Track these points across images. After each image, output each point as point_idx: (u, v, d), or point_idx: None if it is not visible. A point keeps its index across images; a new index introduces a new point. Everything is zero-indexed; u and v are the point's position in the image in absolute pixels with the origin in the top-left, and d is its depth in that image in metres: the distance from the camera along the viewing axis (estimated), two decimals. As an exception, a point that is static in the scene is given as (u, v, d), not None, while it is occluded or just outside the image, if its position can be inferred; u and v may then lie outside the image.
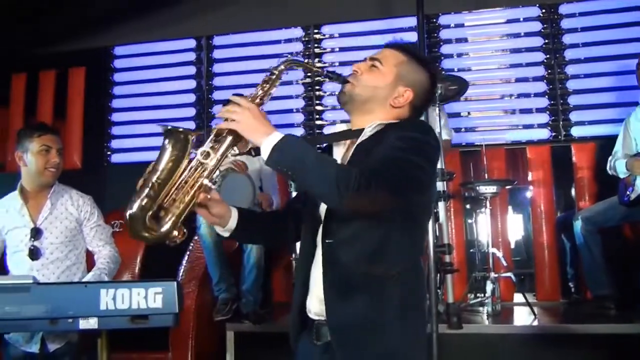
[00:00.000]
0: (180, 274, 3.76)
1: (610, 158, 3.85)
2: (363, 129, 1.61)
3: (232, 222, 1.65)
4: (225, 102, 4.07)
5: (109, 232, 2.78)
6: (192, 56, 5.40)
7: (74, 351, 2.48)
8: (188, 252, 3.81)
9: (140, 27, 5.37)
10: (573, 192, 4.50)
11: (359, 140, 1.60)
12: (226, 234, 1.67)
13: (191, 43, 5.41)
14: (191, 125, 5.32)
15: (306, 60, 1.43)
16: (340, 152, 1.68)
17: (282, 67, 1.64)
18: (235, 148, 1.52)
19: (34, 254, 2.55)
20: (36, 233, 2.57)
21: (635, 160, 3.61)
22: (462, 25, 4.95)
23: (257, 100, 1.58)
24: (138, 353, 3.46)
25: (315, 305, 1.57)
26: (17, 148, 2.63)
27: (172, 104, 5.37)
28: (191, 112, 5.35)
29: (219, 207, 1.61)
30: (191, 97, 5.36)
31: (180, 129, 1.52)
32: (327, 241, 1.55)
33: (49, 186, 2.66)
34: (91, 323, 1.90)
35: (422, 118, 3.68)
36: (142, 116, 5.41)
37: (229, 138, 1.50)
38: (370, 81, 1.64)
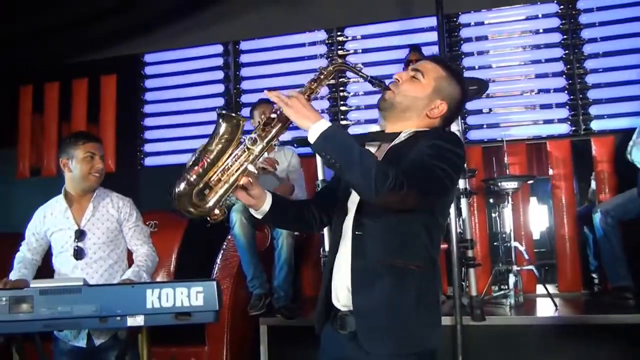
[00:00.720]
0: (215, 272, 3.91)
1: (630, 144, 3.88)
2: (398, 133, 1.74)
3: (266, 205, 1.76)
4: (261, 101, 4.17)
5: (147, 232, 2.91)
6: (219, 61, 5.58)
7: (121, 346, 2.61)
8: (222, 251, 3.94)
9: (169, 34, 5.57)
10: (593, 185, 4.57)
11: (393, 143, 1.73)
12: (259, 216, 1.78)
13: (218, 49, 5.59)
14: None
15: (353, 65, 1.54)
16: (371, 151, 1.76)
17: (331, 68, 1.71)
18: (278, 138, 1.65)
19: (78, 254, 2.69)
20: (80, 234, 2.71)
21: None
22: (481, 24, 5.04)
23: (305, 95, 1.65)
24: (177, 347, 3.61)
25: (343, 294, 1.68)
26: (61, 155, 2.78)
27: (202, 108, 5.56)
28: (219, 116, 5.52)
29: (256, 190, 1.72)
30: (220, 101, 5.54)
31: (234, 114, 1.64)
32: (356, 233, 1.67)
33: (92, 191, 2.79)
34: (138, 320, 2.06)
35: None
36: (173, 120, 5.62)
37: (276, 127, 1.63)
38: (410, 91, 1.74)
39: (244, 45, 5.57)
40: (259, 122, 1.68)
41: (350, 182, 1.57)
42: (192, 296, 2.06)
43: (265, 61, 5.51)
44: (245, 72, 5.56)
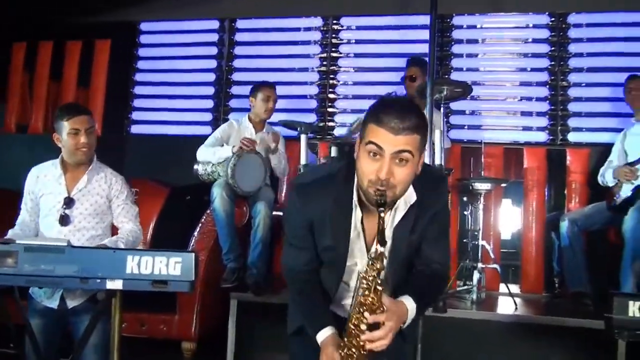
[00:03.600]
0: (192, 243, 3.97)
1: (603, 167, 4.08)
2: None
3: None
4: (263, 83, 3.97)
5: (135, 211, 2.94)
6: (214, 37, 5.61)
7: (98, 307, 2.61)
8: (200, 224, 4.00)
9: (167, 4, 5.57)
10: (564, 193, 4.75)
11: (397, 221, 1.85)
12: None
13: (215, 24, 5.61)
14: (209, 103, 5.57)
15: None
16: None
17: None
18: None
19: (64, 220, 2.73)
20: (69, 202, 2.75)
21: (624, 167, 3.83)
22: (474, 27, 5.15)
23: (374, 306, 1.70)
24: (147, 314, 3.71)
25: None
26: (55, 129, 2.80)
27: (192, 82, 5.60)
28: (210, 90, 5.58)
29: None
30: (211, 77, 5.58)
31: None
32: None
33: (86, 163, 2.83)
34: (117, 284, 2.08)
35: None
36: (163, 91, 5.64)
37: None
38: (408, 177, 1.70)
39: (240, 23, 5.60)
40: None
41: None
42: (171, 265, 2.10)
43: (259, 42, 5.56)
44: (238, 50, 5.60)
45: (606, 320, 2.09)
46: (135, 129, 5.69)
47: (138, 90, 5.72)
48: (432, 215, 1.83)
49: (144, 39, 5.75)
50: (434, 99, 3.77)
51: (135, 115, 5.71)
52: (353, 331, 1.72)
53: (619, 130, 4.23)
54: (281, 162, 4.27)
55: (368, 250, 1.83)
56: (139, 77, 5.73)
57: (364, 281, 1.67)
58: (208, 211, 4.03)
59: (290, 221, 1.92)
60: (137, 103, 5.71)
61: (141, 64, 5.73)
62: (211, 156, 4.09)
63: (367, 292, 1.67)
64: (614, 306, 2.06)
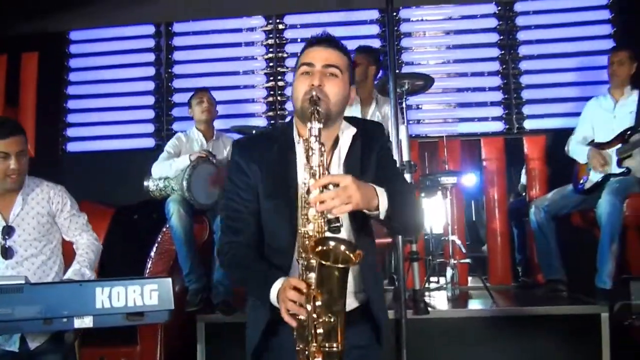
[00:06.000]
0: (149, 266, 3.74)
1: (570, 138, 4.02)
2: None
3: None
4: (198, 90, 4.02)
5: (84, 219, 2.72)
6: (151, 43, 5.32)
7: (65, 350, 2.44)
8: (157, 244, 3.79)
9: (97, 11, 5.23)
10: (523, 179, 4.76)
11: (345, 153, 1.78)
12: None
13: (150, 29, 5.33)
14: (150, 114, 5.25)
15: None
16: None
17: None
18: None
19: (7, 252, 2.47)
20: (8, 231, 2.49)
21: (597, 153, 3.76)
22: (421, 20, 5.10)
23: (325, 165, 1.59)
24: (106, 348, 3.42)
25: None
26: None
27: (131, 92, 5.29)
28: (150, 100, 5.28)
29: None
30: (150, 85, 5.29)
31: None
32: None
33: (15, 190, 2.55)
34: (86, 322, 1.91)
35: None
36: (99, 104, 5.30)
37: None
38: (339, 94, 1.73)
39: (177, 27, 5.33)
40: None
41: (407, 225, 1.76)
42: (146, 294, 1.96)
43: (199, 45, 5.31)
44: (177, 55, 5.32)
45: (623, 306, 2.04)
46: (71, 147, 5.31)
47: (72, 104, 5.34)
48: (378, 152, 1.80)
49: (74, 48, 5.37)
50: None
51: (71, 132, 5.32)
52: (305, 206, 1.58)
53: (573, 114, 4.24)
54: None
55: None
56: (71, 90, 5.34)
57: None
58: (164, 229, 3.84)
59: (230, 189, 1.79)
60: (71, 118, 5.32)
61: (73, 76, 5.35)
62: (168, 170, 3.85)
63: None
64: (632, 291, 2.03)
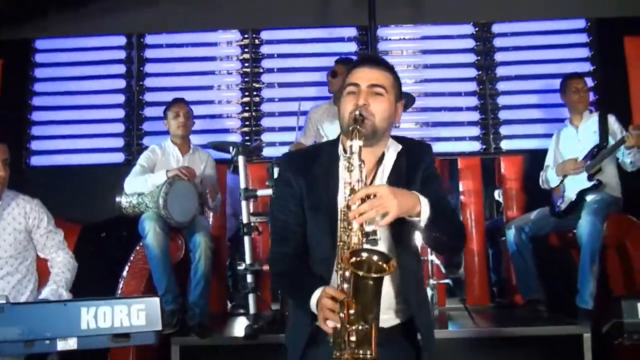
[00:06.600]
0: (121, 286, 3.57)
1: (541, 172, 4.11)
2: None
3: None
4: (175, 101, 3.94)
5: (61, 237, 2.63)
6: (122, 54, 5.15)
7: None
8: (129, 263, 3.62)
9: (65, 19, 5.02)
10: (497, 196, 4.79)
11: (390, 170, 1.83)
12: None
13: (121, 40, 5.16)
14: (120, 127, 5.07)
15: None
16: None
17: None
18: None
19: None
20: None
21: (562, 163, 3.88)
22: (399, 39, 5.12)
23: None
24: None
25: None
26: None
27: (100, 104, 5.08)
28: (120, 113, 5.09)
29: None
30: (120, 98, 5.10)
31: None
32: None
33: None
34: (70, 344, 1.81)
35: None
36: (66, 116, 5.08)
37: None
38: (385, 111, 1.79)
39: (150, 39, 5.18)
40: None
41: (446, 242, 1.75)
42: (133, 315, 1.87)
43: (173, 58, 5.17)
44: (149, 68, 5.16)
45: (615, 324, 2.05)
46: (35, 161, 5.05)
47: (36, 116, 5.09)
48: (423, 171, 1.82)
49: (40, 58, 5.13)
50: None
51: (35, 145, 5.06)
52: (345, 218, 1.63)
53: (549, 136, 4.29)
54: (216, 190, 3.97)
55: None
56: (36, 101, 5.09)
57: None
58: (137, 248, 3.68)
59: (277, 201, 1.89)
60: (36, 131, 5.07)
61: (39, 87, 5.11)
62: (143, 185, 3.68)
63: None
64: (623, 310, 2.06)
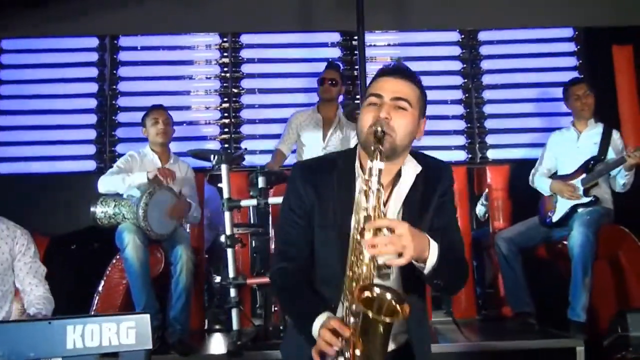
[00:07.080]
0: (96, 302, 3.39)
1: (533, 170, 4.02)
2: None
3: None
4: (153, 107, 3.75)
5: (43, 272, 2.54)
6: (94, 56, 4.93)
7: None
8: (104, 278, 3.45)
9: (35, 18, 4.80)
10: (479, 210, 4.73)
11: (406, 191, 1.72)
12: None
13: (93, 42, 4.95)
14: (91, 134, 4.83)
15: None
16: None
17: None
18: None
19: None
20: None
21: (563, 185, 3.76)
22: (384, 45, 5.03)
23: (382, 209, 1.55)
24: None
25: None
26: None
27: (70, 109, 4.86)
28: (92, 118, 4.87)
29: None
30: (92, 103, 4.89)
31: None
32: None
33: None
34: None
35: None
36: (34, 121, 4.84)
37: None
38: (408, 126, 1.69)
39: (124, 41, 4.98)
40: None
41: (451, 285, 1.69)
42: (122, 333, 1.79)
43: (147, 61, 4.98)
44: (123, 71, 4.96)
45: (620, 337, 1.98)
46: (0, 168, 4.78)
47: (1, 121, 4.84)
48: (440, 195, 1.74)
49: (6, 59, 4.89)
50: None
51: (0, 152, 4.80)
52: (356, 247, 1.51)
53: (537, 145, 4.23)
54: (194, 199, 3.79)
55: None
56: (2, 105, 4.85)
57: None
58: (114, 261, 3.53)
59: (285, 213, 1.77)
60: (1, 137, 4.82)
61: (4, 89, 4.86)
62: (120, 184, 3.53)
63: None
64: (629, 323, 1.98)
